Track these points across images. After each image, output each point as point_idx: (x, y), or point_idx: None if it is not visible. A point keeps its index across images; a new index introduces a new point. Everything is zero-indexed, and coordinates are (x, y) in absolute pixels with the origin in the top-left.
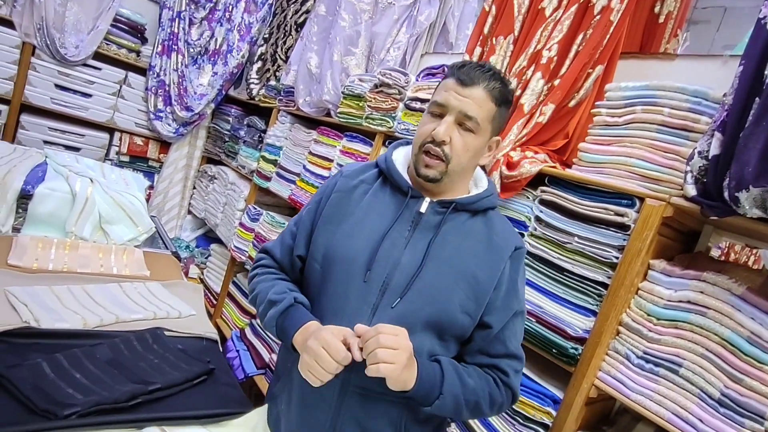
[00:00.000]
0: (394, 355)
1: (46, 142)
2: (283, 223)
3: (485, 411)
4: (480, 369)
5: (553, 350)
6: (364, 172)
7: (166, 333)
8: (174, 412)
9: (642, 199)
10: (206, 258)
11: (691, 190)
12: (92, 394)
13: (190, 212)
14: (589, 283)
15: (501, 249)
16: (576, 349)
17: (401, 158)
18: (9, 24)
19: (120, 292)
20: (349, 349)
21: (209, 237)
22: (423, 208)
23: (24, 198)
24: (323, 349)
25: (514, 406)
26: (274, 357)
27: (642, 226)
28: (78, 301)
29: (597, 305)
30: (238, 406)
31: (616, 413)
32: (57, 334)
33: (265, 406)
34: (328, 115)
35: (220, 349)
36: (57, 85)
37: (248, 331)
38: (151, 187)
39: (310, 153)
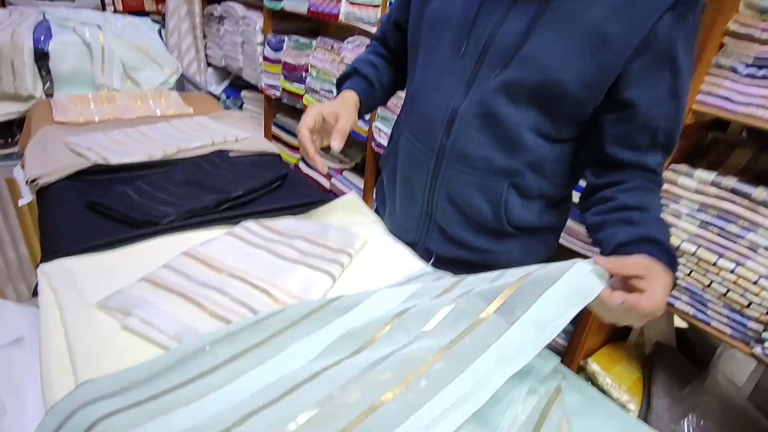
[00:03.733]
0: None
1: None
2: (310, 44)
3: None
4: (632, 176)
5: None
6: None
7: (230, 154)
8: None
9: None
10: (240, 107)
11: None
12: (181, 207)
13: (209, 65)
14: None
15: None
16: None
17: None
18: None
19: (172, 129)
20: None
21: (237, 85)
22: None
23: (42, 60)
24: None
25: None
26: (335, 182)
27: None
28: (136, 141)
29: None
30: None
31: (709, 145)
32: (128, 167)
33: (352, 193)
34: None
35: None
36: None
37: (302, 165)
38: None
39: None
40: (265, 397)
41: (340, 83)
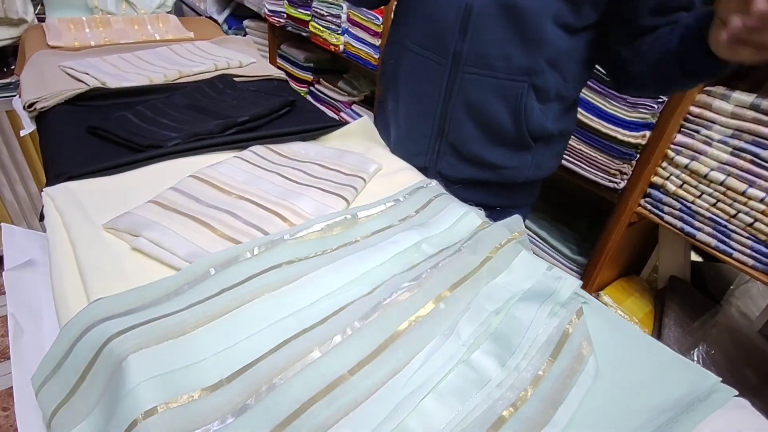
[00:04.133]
0: None
1: None
2: None
3: None
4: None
5: None
6: None
7: (235, 79)
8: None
9: None
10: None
11: None
12: (186, 131)
13: None
14: None
15: None
16: None
17: None
18: None
19: (172, 53)
20: None
21: (239, 15)
22: None
23: None
24: None
25: None
26: (343, 115)
27: None
28: (134, 65)
29: None
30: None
31: (749, 67)
32: (128, 92)
33: (364, 117)
34: None
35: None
36: None
37: (310, 99)
38: None
39: None
40: (282, 331)
41: None
